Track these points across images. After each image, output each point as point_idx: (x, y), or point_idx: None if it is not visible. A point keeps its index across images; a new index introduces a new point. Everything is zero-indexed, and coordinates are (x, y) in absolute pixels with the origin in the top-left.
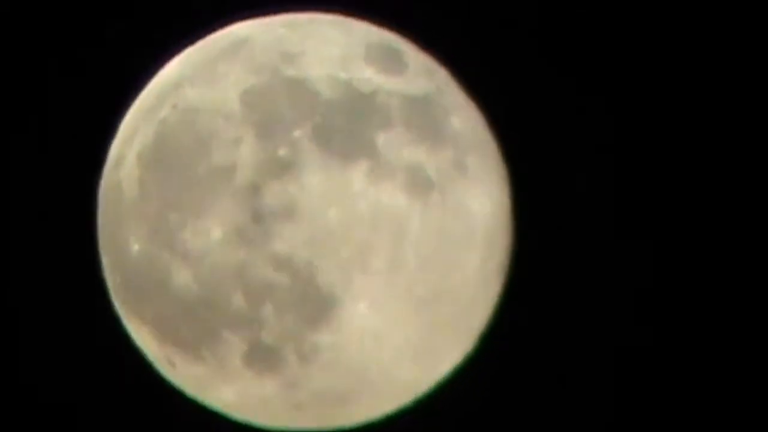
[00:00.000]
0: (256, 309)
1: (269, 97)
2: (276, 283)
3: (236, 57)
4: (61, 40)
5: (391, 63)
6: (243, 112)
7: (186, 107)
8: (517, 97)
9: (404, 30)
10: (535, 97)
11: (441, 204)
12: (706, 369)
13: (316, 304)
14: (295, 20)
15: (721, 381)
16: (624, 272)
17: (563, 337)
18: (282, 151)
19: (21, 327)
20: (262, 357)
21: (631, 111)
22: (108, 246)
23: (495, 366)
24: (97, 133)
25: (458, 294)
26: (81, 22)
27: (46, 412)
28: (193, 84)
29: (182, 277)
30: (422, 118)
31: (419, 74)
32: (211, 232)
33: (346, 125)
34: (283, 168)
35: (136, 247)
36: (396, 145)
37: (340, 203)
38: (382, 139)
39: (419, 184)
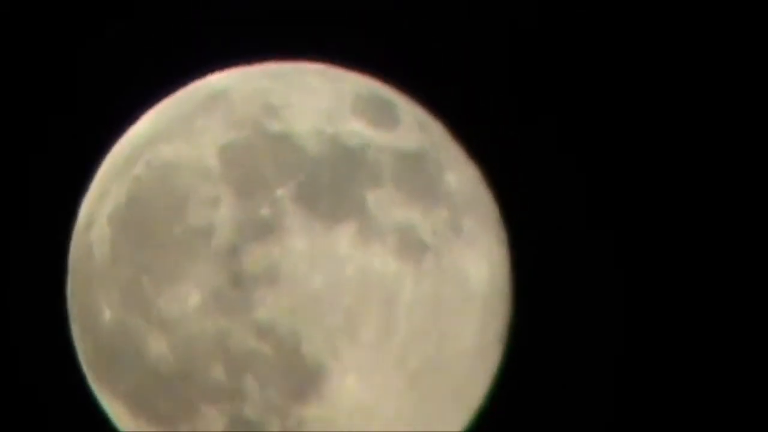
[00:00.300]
0: (236, 381)
1: (250, 154)
2: (258, 353)
3: (214, 110)
4: (28, 105)
5: (382, 116)
6: (222, 169)
7: (160, 164)
8: (516, 153)
9: (396, 80)
10: (535, 154)
11: (435, 268)
12: (708, 411)
13: (301, 376)
14: (278, 70)
15: (721, 408)
16: (631, 341)
17: (566, 412)
18: (264, 212)
19: None
20: None
21: (636, 166)
22: (78, 313)
23: None
24: (67, 193)
25: (454, 366)
26: (49, 81)
27: None
28: (168, 139)
29: (157, 347)
30: (415, 175)
31: (412, 128)
32: (188, 298)
33: (333, 183)
34: (265, 229)
35: (108, 315)
36: (387, 204)
37: (326, 268)
38: (371, 198)
39: (411, 246)
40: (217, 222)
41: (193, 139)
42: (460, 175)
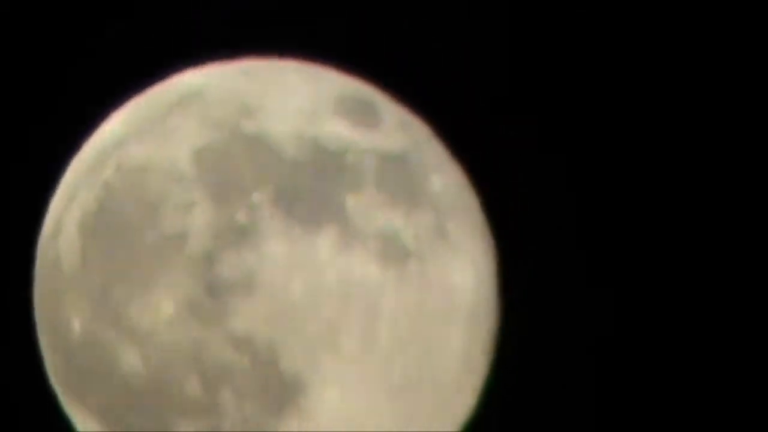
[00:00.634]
0: (213, 395)
1: (226, 156)
2: (235, 366)
3: (188, 110)
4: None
5: (364, 116)
6: (196, 173)
7: (131, 168)
8: (503, 154)
9: (378, 80)
10: (523, 157)
11: (419, 276)
12: (700, 419)
13: (280, 390)
14: (255, 68)
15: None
16: (621, 350)
17: (554, 425)
18: (240, 217)
19: None
20: None
21: (628, 168)
22: (46, 325)
23: None
24: (33, 199)
25: (439, 378)
26: (35, 85)
27: None
28: (140, 141)
29: (130, 360)
30: (398, 178)
31: (395, 129)
32: (161, 307)
33: (312, 187)
34: (241, 235)
35: (77, 326)
36: (368, 208)
37: (305, 275)
38: (352, 202)
39: (394, 253)
40: (192, 228)
41: (165, 141)
42: (446, 178)
